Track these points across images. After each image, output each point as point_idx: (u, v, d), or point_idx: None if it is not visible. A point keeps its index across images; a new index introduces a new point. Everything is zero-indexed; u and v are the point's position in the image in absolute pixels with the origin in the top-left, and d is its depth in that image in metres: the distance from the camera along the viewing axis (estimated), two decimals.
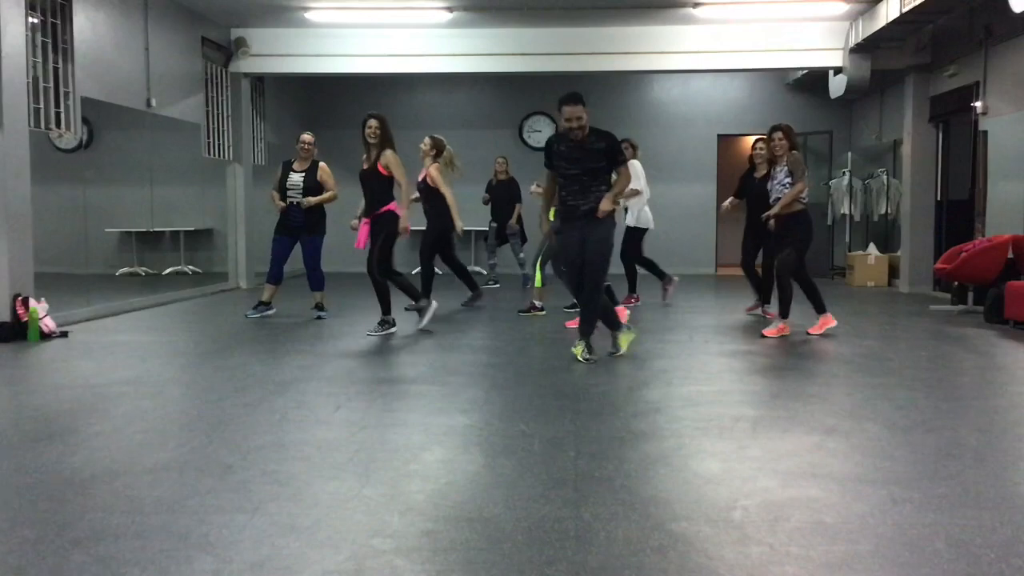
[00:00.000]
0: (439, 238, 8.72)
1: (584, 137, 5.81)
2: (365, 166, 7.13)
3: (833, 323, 7.20)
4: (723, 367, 5.99)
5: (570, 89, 5.89)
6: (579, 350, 5.97)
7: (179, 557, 2.59)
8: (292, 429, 4.11)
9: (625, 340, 6.22)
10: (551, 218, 6.48)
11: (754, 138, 9.02)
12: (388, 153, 7.01)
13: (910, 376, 5.51)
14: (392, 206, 7.07)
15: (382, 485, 3.28)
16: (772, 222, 7.19)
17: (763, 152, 7.96)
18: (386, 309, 7.15)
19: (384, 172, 7.01)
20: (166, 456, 3.68)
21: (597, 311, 6.09)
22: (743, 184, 8.45)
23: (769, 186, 7.39)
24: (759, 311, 8.39)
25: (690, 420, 4.31)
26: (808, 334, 7.10)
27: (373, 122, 7.04)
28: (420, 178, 8.58)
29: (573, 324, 7.05)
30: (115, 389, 5.06)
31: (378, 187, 7.06)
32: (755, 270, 8.45)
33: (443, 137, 8.74)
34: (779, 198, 7.13)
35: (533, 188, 8.82)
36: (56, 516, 2.94)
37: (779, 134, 7.22)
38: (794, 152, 7.18)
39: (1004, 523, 2.87)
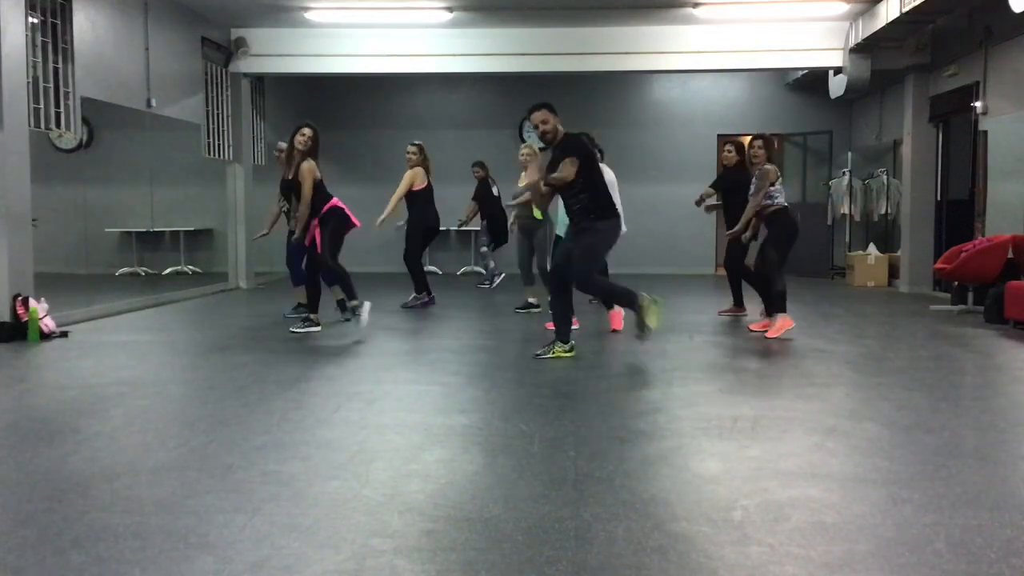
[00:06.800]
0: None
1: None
2: (290, 175, 7.20)
3: (791, 324, 7.03)
4: (723, 367, 5.99)
5: (552, 92, 5.97)
6: (648, 323, 5.90)
7: (179, 557, 2.59)
8: (292, 429, 4.11)
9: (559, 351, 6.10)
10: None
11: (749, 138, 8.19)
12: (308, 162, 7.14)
13: (910, 376, 5.51)
14: (335, 202, 7.23)
15: (382, 485, 3.28)
16: (745, 234, 7.45)
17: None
18: (313, 307, 7.32)
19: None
20: (166, 456, 3.68)
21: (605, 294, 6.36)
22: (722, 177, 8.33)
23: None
24: (739, 314, 8.33)
25: (690, 420, 4.31)
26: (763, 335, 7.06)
27: (307, 131, 7.14)
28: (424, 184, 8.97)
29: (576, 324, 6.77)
30: (115, 389, 5.05)
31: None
32: (740, 271, 8.21)
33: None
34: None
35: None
36: (56, 516, 2.94)
37: (759, 142, 7.26)
38: (766, 166, 7.14)
39: (1004, 523, 2.87)
